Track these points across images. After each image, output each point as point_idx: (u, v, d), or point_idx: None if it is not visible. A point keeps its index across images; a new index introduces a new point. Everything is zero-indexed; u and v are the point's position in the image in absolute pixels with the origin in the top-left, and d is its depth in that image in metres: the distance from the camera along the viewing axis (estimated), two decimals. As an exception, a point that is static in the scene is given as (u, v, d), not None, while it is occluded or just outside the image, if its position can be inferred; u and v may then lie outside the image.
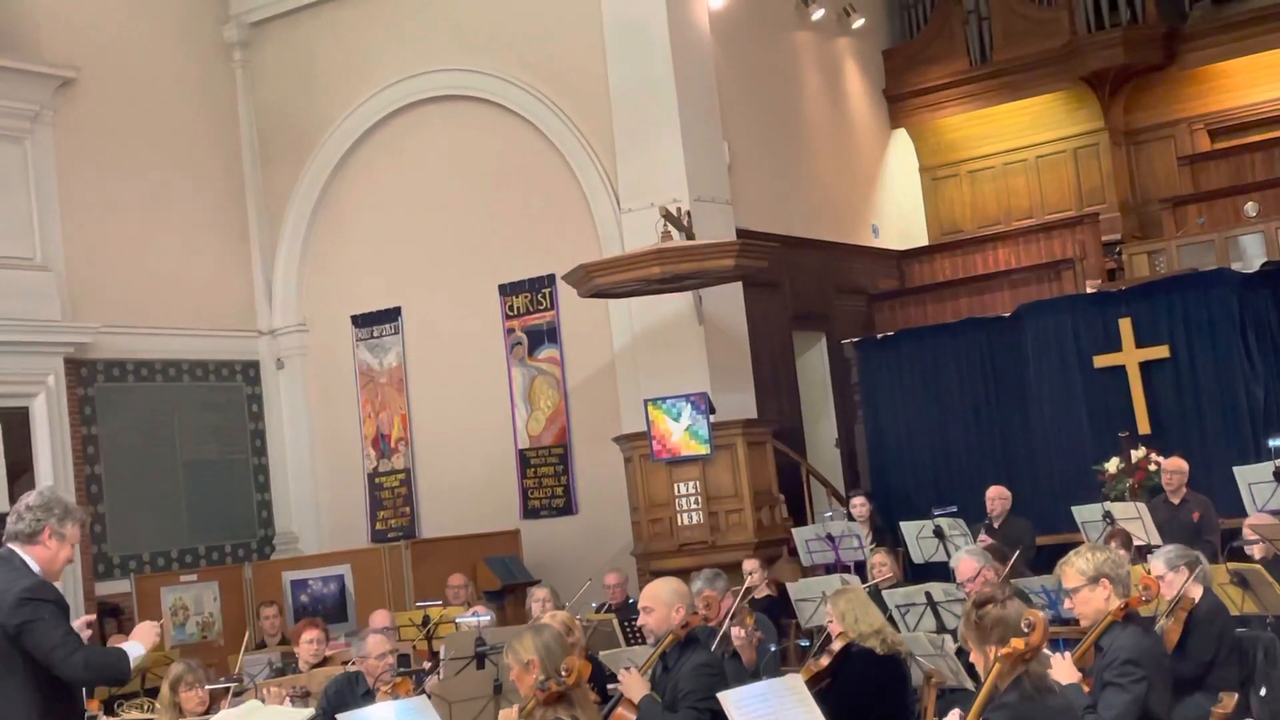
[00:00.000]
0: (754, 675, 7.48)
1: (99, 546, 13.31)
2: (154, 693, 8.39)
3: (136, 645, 5.48)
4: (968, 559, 7.94)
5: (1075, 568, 5.31)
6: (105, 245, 13.72)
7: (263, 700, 7.10)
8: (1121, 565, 5.33)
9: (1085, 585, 5.28)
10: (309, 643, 8.77)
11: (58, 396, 13.14)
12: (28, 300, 12.92)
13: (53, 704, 5.28)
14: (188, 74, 14.79)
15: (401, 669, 7.47)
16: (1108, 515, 9.79)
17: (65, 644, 5.19)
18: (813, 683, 6.46)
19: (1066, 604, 5.41)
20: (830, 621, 6.97)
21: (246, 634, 10.66)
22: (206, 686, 7.25)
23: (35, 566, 5.33)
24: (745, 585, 8.68)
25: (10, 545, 5.36)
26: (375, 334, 14.64)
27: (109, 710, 8.49)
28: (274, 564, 13.65)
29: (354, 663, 7.45)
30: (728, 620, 7.54)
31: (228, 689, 7.62)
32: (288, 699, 7.40)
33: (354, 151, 14.72)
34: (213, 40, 15.09)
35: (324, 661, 8.67)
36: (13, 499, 11.76)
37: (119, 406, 13.73)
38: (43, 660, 5.18)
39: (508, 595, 12.16)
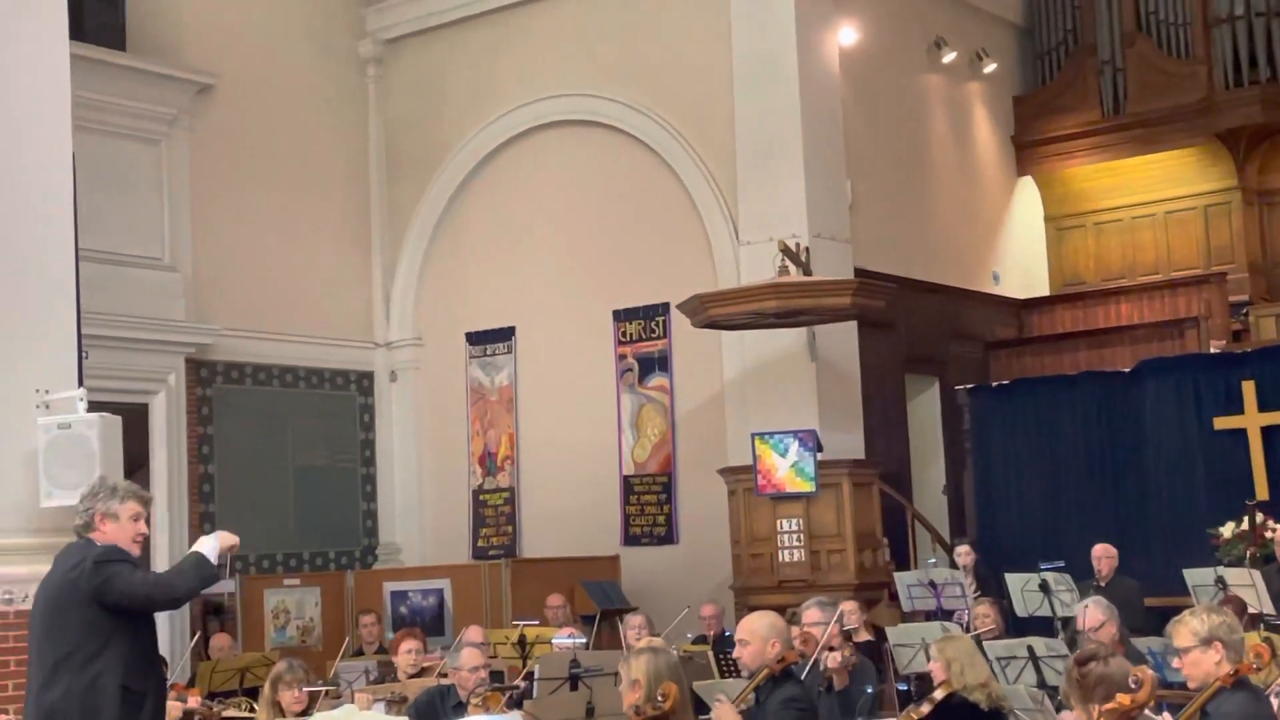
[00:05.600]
0: (845, 699, 7.43)
1: (207, 545, 13.50)
2: (254, 693, 8.51)
3: (210, 540, 5.67)
4: (1094, 609, 7.86)
5: (1189, 628, 5.20)
6: (231, 249, 14.00)
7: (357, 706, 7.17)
8: (1236, 630, 5.21)
9: (1197, 646, 5.16)
10: (407, 652, 8.84)
11: (177, 395, 13.41)
12: (154, 299, 13.22)
13: (138, 671, 5.45)
14: (322, 87, 15.07)
15: (494, 685, 7.50)
16: (1220, 580, 9.56)
17: (145, 580, 5.52)
18: (910, 730, 6.39)
19: (1175, 663, 5.29)
20: (934, 667, 6.88)
21: (346, 639, 10.77)
22: (305, 689, 7.33)
23: None
24: (837, 617, 8.58)
25: (85, 537, 5.66)
26: (488, 352, 14.76)
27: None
28: (375, 573, 13.79)
29: (448, 674, 7.50)
30: (824, 650, 7.50)
31: (325, 691, 7.69)
32: (381, 705, 7.46)
33: (479, 171, 14.88)
34: (348, 55, 15.37)
35: (421, 672, 8.73)
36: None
37: (235, 408, 13.97)
38: (134, 603, 5.44)
39: (603, 620, 12.16)
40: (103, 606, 5.42)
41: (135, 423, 12.64)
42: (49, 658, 5.47)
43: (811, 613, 7.80)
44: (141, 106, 13.36)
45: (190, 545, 12.76)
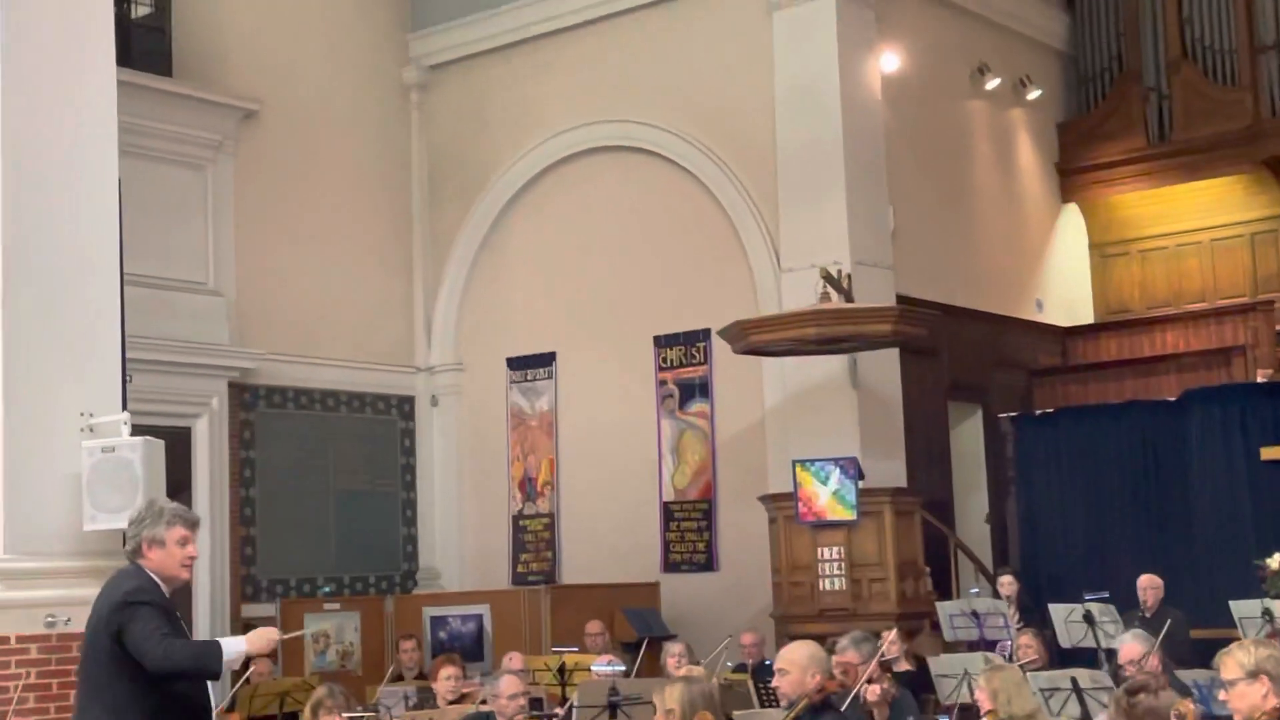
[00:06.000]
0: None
1: (248, 569, 13.58)
2: (293, 717, 8.51)
3: (238, 641, 5.47)
4: (1133, 642, 7.78)
5: (1236, 660, 5.13)
6: (275, 274, 14.09)
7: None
8: (1284, 664, 5.13)
9: (1243, 679, 5.08)
10: (446, 679, 8.84)
11: (220, 419, 13.48)
12: (198, 323, 13.31)
13: (169, 709, 5.36)
14: (366, 112, 15.17)
15: (534, 712, 7.48)
16: (1267, 613, 9.44)
17: (152, 635, 5.28)
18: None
19: (1221, 696, 5.21)
20: (981, 696, 6.81)
21: (391, 666, 10.76)
22: (345, 714, 7.32)
23: (156, 578, 5.51)
24: (881, 649, 8.52)
25: (135, 563, 5.57)
26: (529, 377, 14.77)
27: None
28: (415, 598, 13.80)
29: (488, 701, 7.48)
30: (864, 683, 7.43)
31: (365, 717, 7.68)
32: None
33: (520, 196, 14.93)
34: (392, 81, 15.46)
35: (460, 698, 8.72)
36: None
37: (277, 432, 14.03)
38: (138, 656, 5.28)
39: (644, 648, 12.11)
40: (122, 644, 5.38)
41: (178, 446, 12.73)
42: (84, 685, 5.48)
43: (849, 655, 7.74)
44: (187, 132, 13.47)
45: (231, 570, 12.81)
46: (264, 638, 5.54)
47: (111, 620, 5.34)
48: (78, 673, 5.59)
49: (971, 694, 7.84)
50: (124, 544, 5.68)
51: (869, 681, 7.52)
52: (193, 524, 5.64)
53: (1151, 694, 4.37)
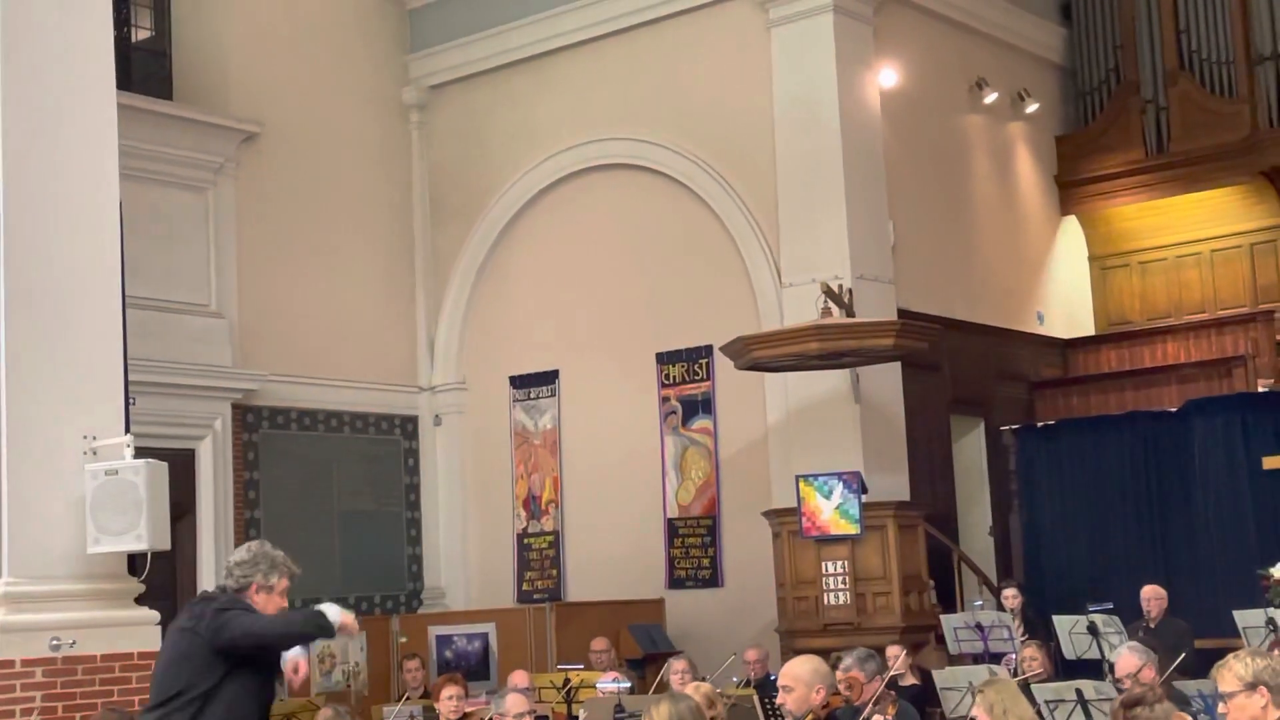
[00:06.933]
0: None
1: (253, 590, 13.56)
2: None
3: (334, 606, 5.61)
4: (1129, 654, 7.77)
5: (1233, 672, 5.10)
6: (277, 295, 14.12)
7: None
8: (1283, 675, 5.11)
9: (1241, 691, 5.06)
10: (448, 699, 8.85)
11: (223, 441, 13.50)
12: (201, 346, 13.34)
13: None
14: (366, 134, 15.21)
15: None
16: (1271, 622, 9.45)
17: (259, 615, 5.48)
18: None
19: (1220, 709, 5.21)
20: (977, 711, 6.80)
21: (419, 692, 10.77)
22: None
23: None
24: (890, 671, 8.52)
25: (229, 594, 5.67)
26: (532, 396, 14.80)
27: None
28: (421, 617, 13.79)
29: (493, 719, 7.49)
30: (871, 706, 7.42)
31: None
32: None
33: (521, 215, 14.97)
34: (392, 102, 15.51)
35: (463, 718, 8.73)
36: (175, 541, 12.13)
37: (281, 453, 14.05)
38: (246, 641, 5.40)
39: (648, 664, 12.12)
40: (215, 651, 5.40)
41: (182, 468, 12.74)
42: (153, 702, 5.51)
43: (854, 671, 7.75)
44: (188, 155, 13.51)
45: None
46: (349, 618, 5.66)
47: (205, 629, 5.41)
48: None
49: (972, 708, 7.84)
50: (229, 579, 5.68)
51: (874, 703, 7.51)
52: (294, 575, 5.80)
53: (1148, 706, 4.37)
